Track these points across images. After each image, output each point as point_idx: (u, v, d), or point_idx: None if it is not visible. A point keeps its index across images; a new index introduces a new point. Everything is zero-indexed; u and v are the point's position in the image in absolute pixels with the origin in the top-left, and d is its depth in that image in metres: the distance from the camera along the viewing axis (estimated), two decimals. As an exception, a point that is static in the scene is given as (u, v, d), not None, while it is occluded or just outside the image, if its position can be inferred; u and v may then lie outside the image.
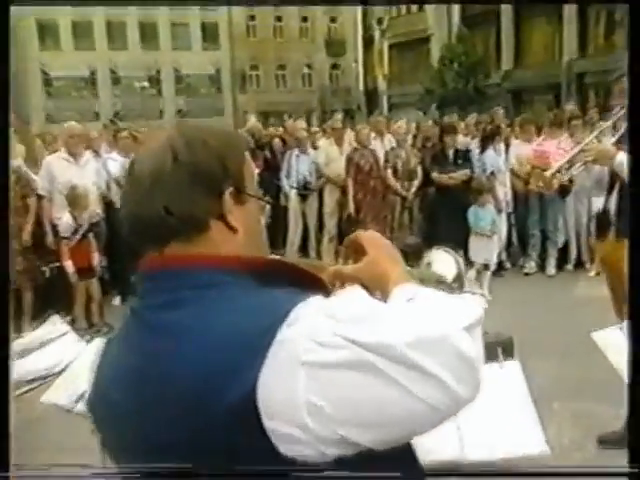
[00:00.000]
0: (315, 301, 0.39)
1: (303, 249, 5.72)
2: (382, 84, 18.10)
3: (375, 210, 5.45)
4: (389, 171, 5.41)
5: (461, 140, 5.71)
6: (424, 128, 5.97)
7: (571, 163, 2.59)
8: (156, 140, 0.48)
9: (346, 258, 0.56)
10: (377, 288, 0.51)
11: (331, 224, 5.63)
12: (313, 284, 0.43)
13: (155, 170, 0.49)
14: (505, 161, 5.47)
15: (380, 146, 5.76)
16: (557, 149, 4.86)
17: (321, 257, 5.50)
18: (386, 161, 5.44)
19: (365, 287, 0.53)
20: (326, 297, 0.39)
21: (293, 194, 5.67)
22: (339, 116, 6.15)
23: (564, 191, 5.04)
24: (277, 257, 0.48)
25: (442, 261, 0.86)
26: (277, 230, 5.53)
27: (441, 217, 5.27)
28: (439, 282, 0.78)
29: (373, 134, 5.79)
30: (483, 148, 5.62)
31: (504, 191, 5.57)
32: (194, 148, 0.43)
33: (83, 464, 0.20)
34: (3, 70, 0.17)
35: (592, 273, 5.00)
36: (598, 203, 3.20)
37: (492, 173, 5.45)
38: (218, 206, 0.44)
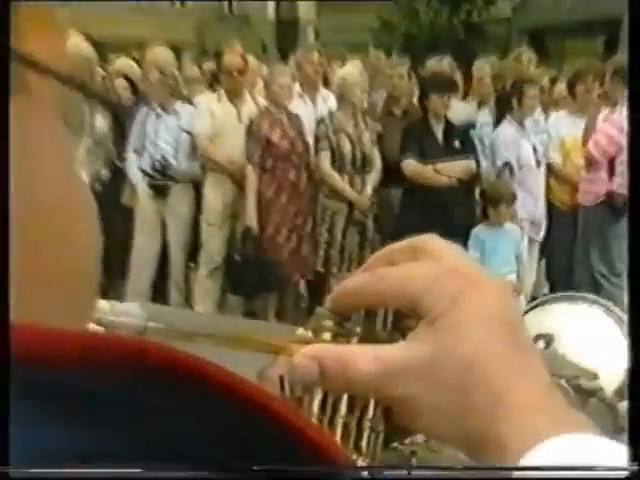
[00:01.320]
0: None
1: (158, 289, 5.76)
2: (307, 10, 18.26)
3: (295, 224, 5.61)
4: (324, 155, 5.51)
5: (457, 107, 5.88)
6: (392, 81, 6.04)
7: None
8: None
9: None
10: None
11: (213, 245, 5.74)
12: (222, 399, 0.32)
13: None
14: (538, 148, 5.68)
15: (308, 109, 5.95)
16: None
17: (191, 303, 5.75)
18: (318, 138, 5.53)
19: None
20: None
21: (142, 186, 5.75)
22: (237, 47, 5.88)
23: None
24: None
25: (581, 331, 0.82)
26: (113, 251, 5.26)
27: None
28: (590, 392, 0.77)
29: (297, 86, 5.96)
30: (497, 122, 5.72)
31: (534, 202, 5.67)
32: None
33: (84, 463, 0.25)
34: (4, 68, 0.28)
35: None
36: None
37: (510, 168, 5.59)
38: None
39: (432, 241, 0.53)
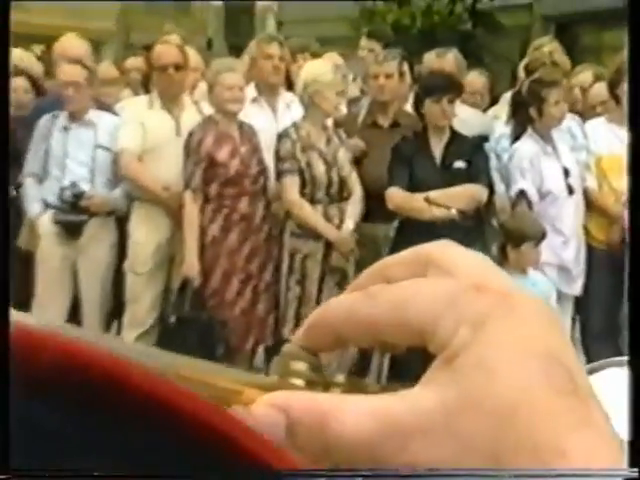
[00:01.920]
0: None
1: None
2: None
3: (249, 272, 5.69)
4: (290, 179, 5.59)
5: (465, 114, 5.94)
6: (378, 82, 6.02)
7: None
8: None
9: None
10: None
11: (142, 303, 5.81)
12: None
13: None
14: (572, 171, 5.72)
15: (266, 119, 6.08)
16: None
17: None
18: (282, 157, 5.63)
19: None
20: None
21: (45, 222, 5.80)
22: (173, 37, 5.87)
23: None
24: None
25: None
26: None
27: None
28: None
29: (252, 88, 6.08)
30: (517, 134, 5.73)
31: (563, 241, 5.71)
32: None
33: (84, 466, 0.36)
34: (3, 67, 0.38)
35: None
36: None
37: (527, 199, 5.60)
38: None
39: (444, 249, 0.52)
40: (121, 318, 5.85)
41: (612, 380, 0.92)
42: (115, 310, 5.89)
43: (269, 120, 6.01)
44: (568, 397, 0.47)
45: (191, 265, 5.47)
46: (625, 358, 0.96)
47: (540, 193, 5.57)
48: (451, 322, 0.48)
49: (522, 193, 5.54)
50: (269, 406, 0.48)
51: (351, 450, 0.48)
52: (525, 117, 5.65)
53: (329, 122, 5.69)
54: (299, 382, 0.52)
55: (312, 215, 5.52)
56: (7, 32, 0.37)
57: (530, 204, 5.55)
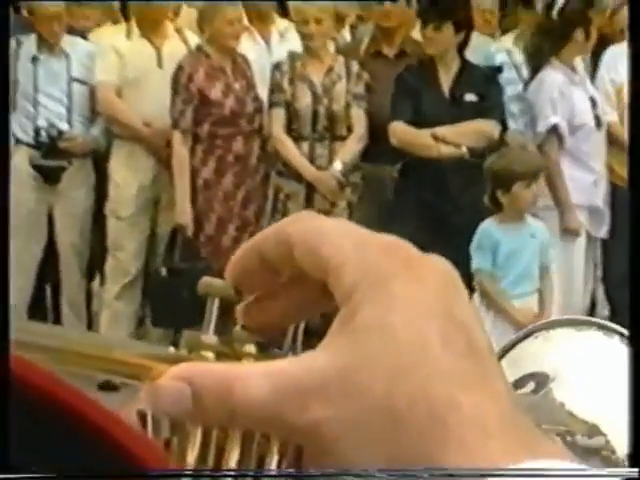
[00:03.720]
0: None
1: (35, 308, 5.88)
2: None
3: (245, 217, 5.63)
4: (275, 113, 5.57)
5: (480, 43, 5.83)
6: (383, 8, 5.84)
7: None
8: None
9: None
10: None
11: (126, 250, 5.74)
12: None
13: None
14: (597, 101, 5.57)
15: (260, 51, 5.98)
16: None
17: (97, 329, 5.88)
18: (271, 90, 5.54)
19: None
20: None
21: (20, 164, 5.63)
22: None
23: None
24: None
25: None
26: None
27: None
28: (590, 451, 0.89)
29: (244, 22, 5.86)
30: (535, 65, 5.55)
31: (594, 180, 5.60)
32: None
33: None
34: (3, 67, 0.18)
35: None
36: None
37: (559, 135, 5.45)
38: None
39: (304, 226, 0.56)
40: (104, 268, 5.80)
41: (560, 340, 0.96)
42: (97, 259, 5.82)
43: (262, 52, 5.88)
44: (463, 358, 0.51)
45: (182, 211, 5.41)
46: (578, 318, 1.01)
47: (571, 127, 5.43)
48: (355, 269, 0.52)
49: (554, 128, 5.39)
50: (174, 378, 0.52)
51: (255, 413, 0.52)
52: (559, 43, 5.44)
53: (332, 51, 5.59)
54: (209, 355, 0.56)
55: (292, 152, 5.49)
56: (7, 32, 0.40)
57: (562, 140, 5.42)
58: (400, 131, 5.32)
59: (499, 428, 0.50)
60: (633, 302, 0.53)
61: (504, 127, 5.48)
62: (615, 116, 5.66)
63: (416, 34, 5.77)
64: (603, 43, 5.85)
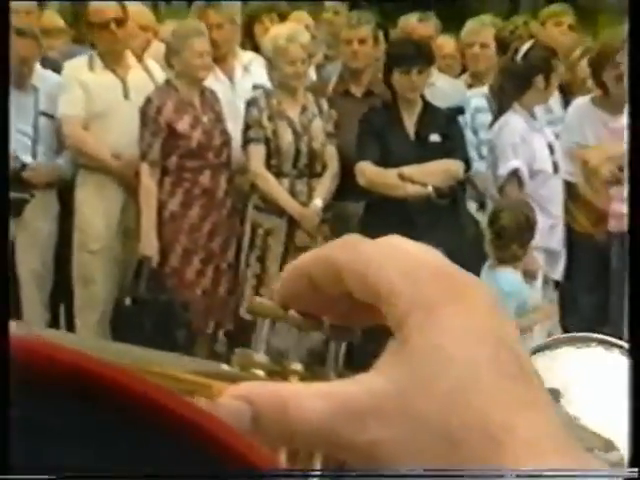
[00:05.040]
0: None
1: None
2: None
3: (211, 250, 5.62)
4: (255, 149, 5.55)
5: (443, 85, 6.00)
6: (352, 48, 5.84)
7: None
8: None
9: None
10: None
11: (100, 281, 5.71)
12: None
13: None
14: (555, 147, 5.63)
15: (223, 85, 5.94)
16: None
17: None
18: (249, 125, 5.58)
19: None
20: None
21: None
22: None
23: None
24: None
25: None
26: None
27: None
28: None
29: (208, 55, 5.75)
30: (499, 109, 5.62)
31: (551, 224, 5.66)
32: None
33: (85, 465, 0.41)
34: (3, 67, 0.46)
35: None
36: None
37: (519, 178, 5.50)
38: None
39: (349, 249, 0.56)
40: (69, 301, 5.71)
41: (564, 358, 0.96)
42: (60, 292, 5.73)
43: (225, 87, 5.87)
44: (516, 381, 0.52)
45: (148, 243, 5.36)
46: (578, 335, 1.01)
47: (531, 172, 5.50)
48: (407, 297, 0.52)
49: (515, 172, 5.44)
50: (234, 397, 0.53)
51: (312, 434, 0.52)
52: (521, 88, 5.49)
53: (302, 90, 5.59)
54: (260, 373, 0.57)
55: (276, 188, 5.45)
56: (7, 32, 0.40)
57: (522, 184, 5.47)
58: (367, 171, 5.34)
59: (553, 449, 0.51)
60: (632, 306, 0.52)
61: (468, 166, 5.51)
62: (580, 177, 5.71)
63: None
64: (566, 93, 5.99)
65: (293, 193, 5.46)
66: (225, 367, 0.58)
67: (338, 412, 0.51)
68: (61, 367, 0.39)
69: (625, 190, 5.25)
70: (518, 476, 0.46)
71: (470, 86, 6.13)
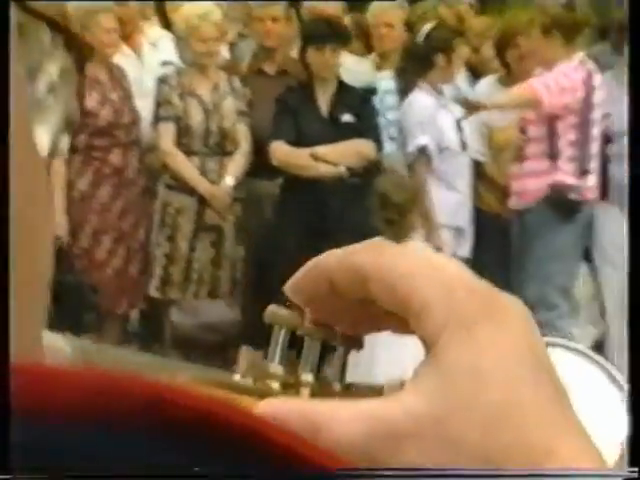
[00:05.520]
0: None
1: None
2: None
3: (121, 230, 5.59)
4: (164, 127, 5.54)
5: (354, 66, 5.99)
6: (265, 26, 5.85)
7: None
8: None
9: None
10: None
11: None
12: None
13: None
14: (463, 125, 5.70)
15: (130, 61, 5.88)
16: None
17: None
18: (159, 103, 5.58)
19: None
20: None
21: None
22: None
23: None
24: None
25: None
26: None
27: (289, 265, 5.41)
28: None
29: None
30: (404, 90, 5.69)
31: (458, 201, 5.73)
32: None
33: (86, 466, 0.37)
34: (3, 67, 0.41)
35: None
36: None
37: (427, 155, 5.59)
38: None
39: (380, 258, 0.54)
40: None
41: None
42: None
43: (133, 63, 5.82)
44: (555, 404, 0.51)
45: (57, 224, 5.24)
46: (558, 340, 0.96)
47: (438, 149, 5.56)
48: (441, 312, 0.51)
49: (423, 149, 5.50)
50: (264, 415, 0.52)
51: (345, 456, 0.50)
52: (424, 67, 5.55)
53: (214, 68, 5.56)
54: (275, 385, 0.56)
55: (185, 167, 5.44)
56: (7, 32, 0.39)
57: (430, 161, 5.53)
58: (280, 151, 5.34)
59: (595, 468, 0.50)
60: (632, 304, 0.50)
61: (380, 147, 5.53)
62: (483, 149, 5.80)
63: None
64: (474, 72, 6.07)
65: (204, 172, 5.45)
66: (238, 378, 0.56)
67: (374, 435, 0.50)
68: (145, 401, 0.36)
69: (526, 167, 5.48)
70: (518, 476, 0.46)
71: (378, 67, 6.15)
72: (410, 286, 0.51)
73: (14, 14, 0.41)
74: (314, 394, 0.56)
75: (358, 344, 0.58)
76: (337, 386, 0.57)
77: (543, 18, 5.46)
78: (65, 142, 5.29)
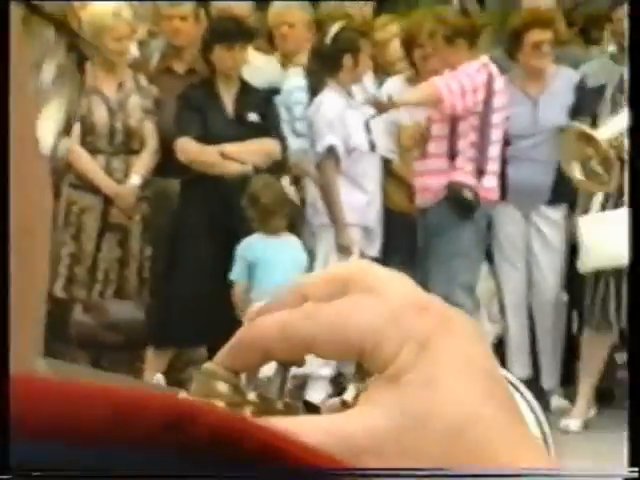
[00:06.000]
0: None
1: None
2: None
3: None
4: (74, 127, 5.11)
5: (259, 64, 6.02)
6: (173, 25, 5.91)
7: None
8: None
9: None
10: None
11: None
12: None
13: None
14: (372, 126, 5.72)
15: None
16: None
17: None
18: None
19: None
20: None
21: None
22: None
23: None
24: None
25: None
26: None
27: (200, 260, 5.46)
28: None
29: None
30: (314, 88, 5.72)
31: (367, 201, 5.75)
32: None
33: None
34: (3, 69, 0.40)
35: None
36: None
37: (336, 155, 5.61)
38: None
39: (366, 269, 0.54)
40: None
41: None
42: None
43: None
44: (507, 414, 0.51)
45: None
46: None
47: (347, 149, 5.58)
48: (395, 340, 0.50)
49: (331, 148, 5.51)
50: None
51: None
52: (332, 67, 5.57)
53: (122, 66, 5.54)
54: (221, 403, 0.54)
55: (90, 166, 5.40)
56: (7, 32, 0.39)
57: (338, 161, 5.55)
58: (187, 148, 5.35)
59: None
60: (631, 301, 0.54)
61: (284, 145, 5.57)
62: (396, 156, 5.81)
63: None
64: (380, 73, 6.06)
65: (109, 170, 5.42)
66: (184, 395, 0.54)
67: (334, 450, 0.48)
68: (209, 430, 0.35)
69: (428, 164, 5.51)
70: (518, 476, 0.46)
71: (283, 65, 6.12)
72: (356, 332, 0.51)
73: (18, 10, 0.41)
74: (258, 412, 0.54)
75: (298, 363, 0.56)
76: (279, 404, 0.55)
77: (443, 29, 5.51)
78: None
